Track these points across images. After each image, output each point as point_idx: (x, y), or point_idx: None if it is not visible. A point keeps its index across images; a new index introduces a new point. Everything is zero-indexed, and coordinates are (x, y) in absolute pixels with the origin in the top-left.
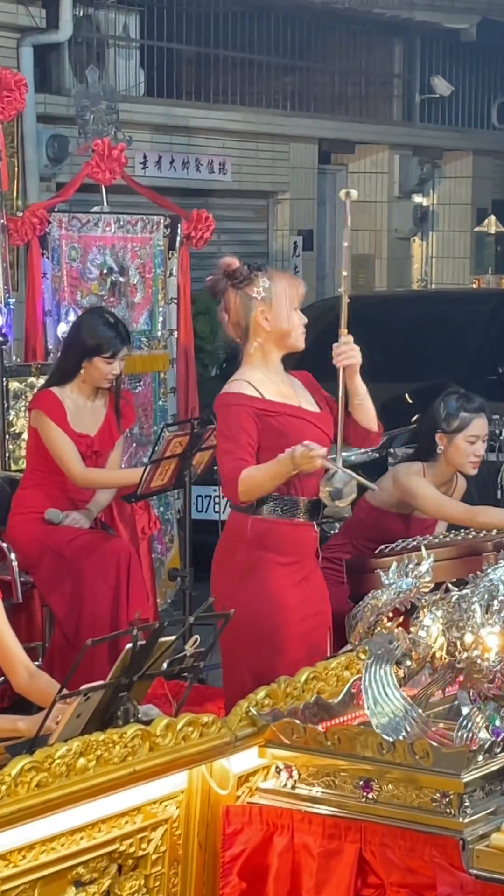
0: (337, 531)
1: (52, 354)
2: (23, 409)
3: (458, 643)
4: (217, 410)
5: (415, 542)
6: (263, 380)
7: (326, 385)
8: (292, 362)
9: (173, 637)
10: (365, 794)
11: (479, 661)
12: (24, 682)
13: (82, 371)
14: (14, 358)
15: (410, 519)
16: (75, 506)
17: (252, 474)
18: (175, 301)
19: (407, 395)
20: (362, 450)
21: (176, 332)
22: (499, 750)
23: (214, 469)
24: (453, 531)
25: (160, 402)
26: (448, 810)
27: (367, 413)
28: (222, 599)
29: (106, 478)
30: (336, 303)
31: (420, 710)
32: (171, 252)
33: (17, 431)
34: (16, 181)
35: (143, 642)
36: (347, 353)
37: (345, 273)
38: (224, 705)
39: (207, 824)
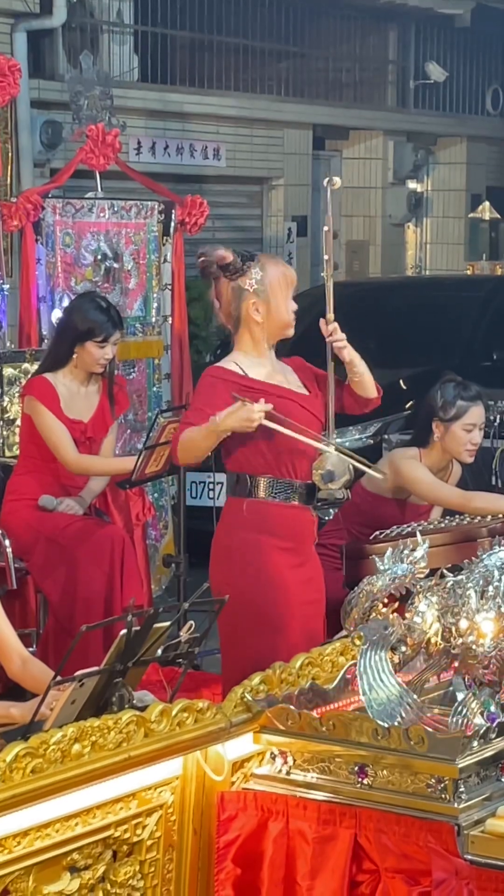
0: (332, 517)
1: (46, 341)
2: (17, 395)
3: (454, 629)
4: (199, 381)
5: (410, 528)
6: (252, 363)
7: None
8: (285, 349)
9: (168, 623)
10: (360, 779)
11: (474, 646)
12: (18, 668)
13: (75, 356)
14: (8, 344)
15: (406, 505)
16: (68, 493)
17: (187, 434)
18: (169, 287)
19: (402, 382)
20: (357, 436)
21: (170, 319)
22: (494, 735)
23: (209, 455)
24: (448, 517)
25: (154, 389)
26: (443, 796)
27: (366, 385)
28: (221, 583)
29: (99, 465)
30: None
31: (415, 696)
32: (165, 238)
33: (12, 418)
34: (9, 167)
35: (138, 628)
36: (338, 338)
37: (326, 257)
38: (222, 691)
39: (202, 810)
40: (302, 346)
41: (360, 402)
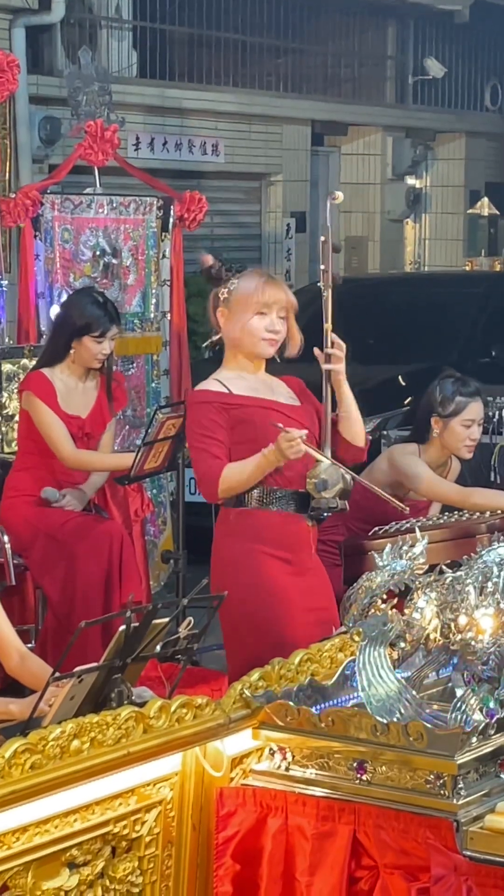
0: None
1: (44, 336)
2: (16, 391)
3: (453, 625)
4: (188, 410)
5: (408, 525)
6: (232, 378)
7: (314, 367)
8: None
9: (167, 619)
10: (359, 775)
11: (473, 642)
12: (16, 665)
13: (72, 352)
14: (7, 340)
15: (404, 501)
16: (64, 489)
17: (232, 472)
18: (168, 283)
19: (400, 378)
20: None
21: (169, 315)
22: (493, 732)
23: None
24: (447, 513)
25: (153, 385)
26: (442, 792)
27: (352, 426)
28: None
29: (97, 460)
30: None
31: (414, 692)
32: (164, 234)
33: (10, 413)
34: (8, 163)
35: (137, 624)
36: (334, 355)
37: (323, 267)
38: (223, 690)
39: (201, 806)
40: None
41: (342, 446)
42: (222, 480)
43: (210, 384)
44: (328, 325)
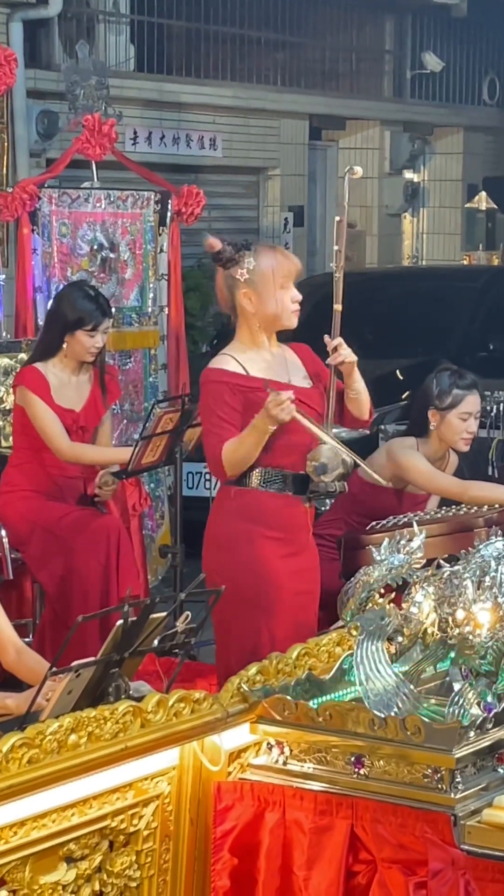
0: (329, 507)
1: (41, 331)
2: (12, 385)
3: (450, 619)
4: (201, 387)
5: (406, 519)
6: (250, 356)
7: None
8: (286, 336)
9: (164, 613)
10: (356, 770)
11: (470, 636)
12: (13, 659)
13: (65, 346)
14: (4, 334)
15: (403, 494)
16: (57, 483)
17: (233, 446)
18: (165, 277)
19: (398, 372)
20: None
21: (166, 309)
22: (490, 726)
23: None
24: (445, 507)
25: (150, 379)
26: (439, 786)
27: (360, 406)
28: (211, 572)
29: (92, 453)
30: (327, 279)
31: (412, 686)
32: (161, 228)
33: (8, 408)
34: (5, 157)
35: (135, 619)
36: (342, 353)
37: (337, 247)
38: (217, 681)
39: (199, 800)
40: (298, 337)
41: (348, 418)
42: (225, 459)
43: (227, 363)
44: (338, 307)
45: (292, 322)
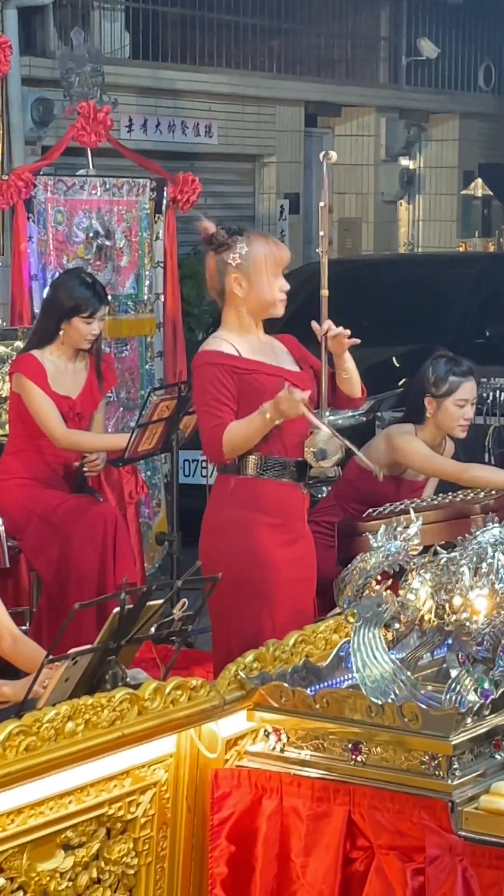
0: (325, 494)
1: (37, 318)
2: (8, 373)
3: (447, 606)
4: (195, 369)
5: (403, 506)
6: (241, 339)
7: (311, 349)
8: (276, 327)
9: (161, 601)
10: (354, 756)
11: (467, 623)
12: (9, 647)
13: (61, 333)
14: (0, 322)
15: (401, 481)
16: (54, 470)
17: (235, 430)
18: (161, 265)
19: (394, 359)
20: (349, 413)
21: (162, 296)
22: (487, 712)
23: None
24: (441, 494)
25: (147, 367)
26: (437, 773)
27: (353, 385)
28: (209, 560)
29: (89, 440)
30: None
31: (409, 673)
32: (157, 215)
33: (4, 396)
34: (0, 144)
35: (131, 606)
36: (335, 335)
37: (322, 233)
38: (213, 668)
39: (196, 788)
40: (294, 325)
41: (341, 398)
42: (226, 441)
43: (220, 345)
44: (325, 292)
45: (279, 311)
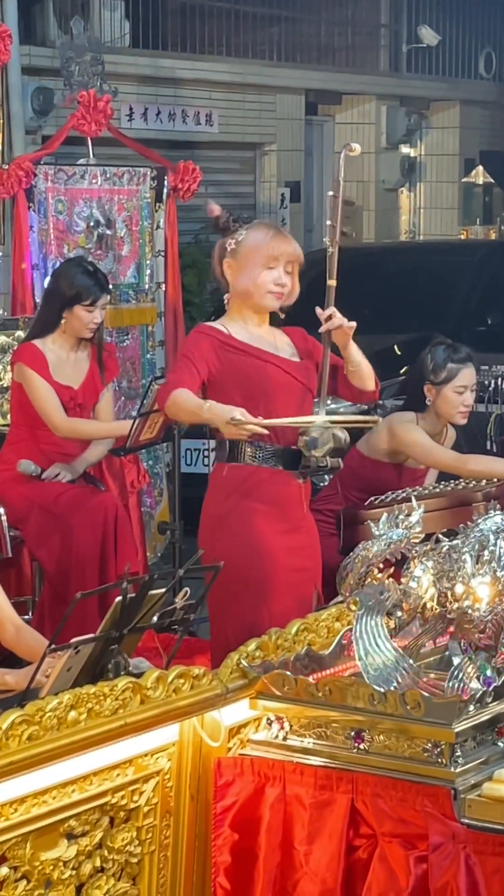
0: (327, 483)
1: (39, 308)
2: (10, 362)
3: (449, 594)
4: (188, 335)
5: (405, 494)
6: (238, 326)
7: (315, 336)
8: (281, 323)
9: (163, 590)
10: (356, 744)
11: (469, 611)
12: (11, 637)
13: (63, 322)
14: (1, 312)
15: (402, 469)
16: (53, 461)
17: (180, 398)
18: (162, 254)
19: (396, 347)
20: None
21: (164, 285)
22: (490, 699)
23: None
24: (443, 482)
25: (148, 356)
26: (440, 760)
27: (362, 377)
28: (206, 548)
29: (89, 428)
30: (324, 255)
31: (411, 661)
32: (158, 204)
33: (5, 385)
34: (1, 134)
35: (133, 595)
36: (335, 318)
37: (329, 222)
38: (211, 657)
39: (199, 776)
40: (295, 313)
41: (353, 392)
42: (170, 400)
43: (214, 324)
44: (332, 282)
45: (266, 302)
